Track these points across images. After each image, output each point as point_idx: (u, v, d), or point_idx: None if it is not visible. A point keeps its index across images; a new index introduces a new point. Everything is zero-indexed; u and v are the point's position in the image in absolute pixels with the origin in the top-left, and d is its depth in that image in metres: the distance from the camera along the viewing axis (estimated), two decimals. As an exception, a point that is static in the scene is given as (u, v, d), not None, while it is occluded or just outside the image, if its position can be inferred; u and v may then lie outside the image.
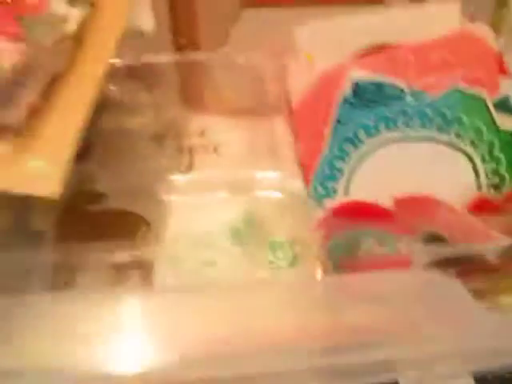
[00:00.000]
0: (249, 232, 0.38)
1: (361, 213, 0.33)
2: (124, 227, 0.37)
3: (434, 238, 0.33)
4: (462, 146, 0.33)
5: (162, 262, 0.35)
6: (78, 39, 0.31)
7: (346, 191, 0.34)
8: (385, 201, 0.33)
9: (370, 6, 0.37)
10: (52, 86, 0.28)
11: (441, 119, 0.34)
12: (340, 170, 0.34)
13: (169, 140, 0.41)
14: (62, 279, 0.32)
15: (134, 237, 0.36)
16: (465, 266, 0.31)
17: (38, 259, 0.30)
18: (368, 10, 0.37)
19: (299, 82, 0.36)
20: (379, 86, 0.33)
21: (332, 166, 0.34)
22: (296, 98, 0.36)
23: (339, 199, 0.33)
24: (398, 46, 0.35)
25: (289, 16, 0.37)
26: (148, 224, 0.37)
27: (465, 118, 0.33)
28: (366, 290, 0.26)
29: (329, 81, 0.35)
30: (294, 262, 0.36)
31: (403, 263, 0.32)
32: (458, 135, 0.33)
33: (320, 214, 0.32)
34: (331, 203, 0.32)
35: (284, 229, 0.37)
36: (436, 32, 0.34)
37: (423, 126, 0.34)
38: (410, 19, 0.34)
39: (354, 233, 0.33)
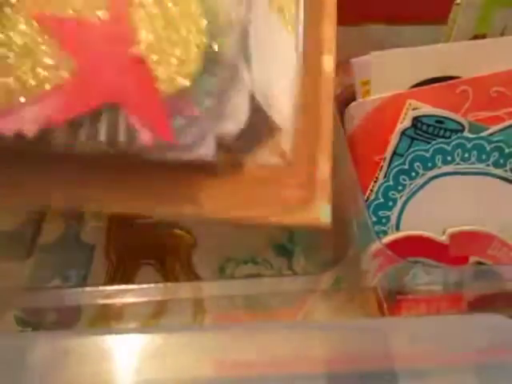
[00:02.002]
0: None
1: (415, 246, 0.33)
2: (171, 241, 0.38)
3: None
4: (517, 180, 0.34)
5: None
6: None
7: (398, 220, 0.35)
8: (436, 232, 0.34)
9: (434, 26, 0.37)
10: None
11: (498, 153, 0.34)
12: (394, 200, 0.35)
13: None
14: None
15: (179, 251, 0.37)
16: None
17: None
18: (431, 29, 0.37)
19: (354, 109, 0.36)
20: (439, 121, 0.33)
21: (386, 196, 0.35)
22: (351, 124, 0.36)
23: (395, 234, 0.33)
24: (456, 78, 0.35)
25: (353, 33, 0.37)
26: (194, 238, 0.38)
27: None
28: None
29: (387, 110, 0.35)
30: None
31: (453, 298, 0.33)
32: (513, 170, 0.33)
33: (376, 246, 0.33)
34: (388, 237, 0.33)
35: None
36: (496, 67, 0.34)
37: (479, 159, 0.34)
38: (471, 53, 0.34)
39: (405, 262, 0.34)
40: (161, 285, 0.30)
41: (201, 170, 0.27)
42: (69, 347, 0.26)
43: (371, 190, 0.35)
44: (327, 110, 0.29)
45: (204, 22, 0.25)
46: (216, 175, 0.28)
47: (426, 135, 0.34)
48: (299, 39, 0.30)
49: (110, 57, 0.25)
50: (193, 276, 0.35)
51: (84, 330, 0.31)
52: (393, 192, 0.35)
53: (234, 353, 0.26)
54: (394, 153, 0.34)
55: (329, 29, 0.30)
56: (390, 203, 0.35)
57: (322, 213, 0.27)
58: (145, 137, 0.24)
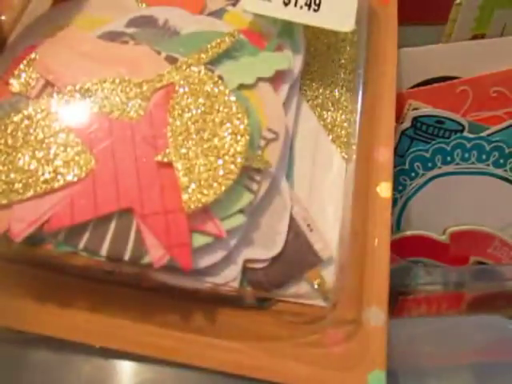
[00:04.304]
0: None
1: (415, 246, 0.33)
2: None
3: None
4: (517, 180, 0.34)
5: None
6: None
7: (398, 220, 0.35)
8: (436, 232, 0.34)
9: (434, 26, 0.37)
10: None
11: (497, 153, 0.34)
12: (394, 200, 0.35)
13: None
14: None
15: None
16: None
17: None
18: (431, 29, 0.37)
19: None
20: (439, 121, 0.33)
21: (387, 196, 0.35)
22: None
23: (396, 234, 0.33)
24: (456, 78, 0.35)
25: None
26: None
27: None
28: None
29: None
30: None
31: (453, 297, 0.33)
32: (513, 170, 0.33)
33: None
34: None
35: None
36: (495, 67, 0.34)
37: (479, 159, 0.34)
38: (471, 53, 0.34)
39: (405, 262, 0.34)
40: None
41: (222, 302, 0.23)
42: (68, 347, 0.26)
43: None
44: (384, 242, 0.24)
45: (245, 135, 0.22)
46: (240, 311, 0.23)
47: (426, 135, 0.34)
48: (352, 163, 0.26)
49: (133, 160, 0.22)
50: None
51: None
52: (393, 192, 0.35)
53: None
54: (395, 153, 0.34)
55: (385, 153, 0.27)
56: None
57: (371, 381, 0.21)
58: (156, 256, 0.20)
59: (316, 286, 0.23)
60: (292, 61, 0.27)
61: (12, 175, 0.22)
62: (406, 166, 0.34)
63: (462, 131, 0.34)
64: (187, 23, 0.28)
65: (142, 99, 0.24)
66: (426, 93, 0.34)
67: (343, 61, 0.30)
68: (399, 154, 0.34)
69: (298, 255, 0.23)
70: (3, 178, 0.22)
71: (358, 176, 0.26)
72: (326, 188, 0.25)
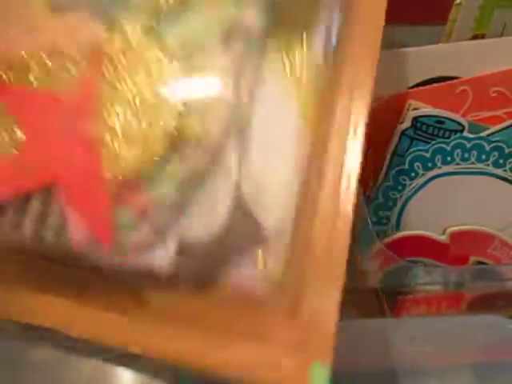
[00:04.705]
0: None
1: (415, 246, 0.33)
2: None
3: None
4: (517, 180, 0.34)
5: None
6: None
7: (398, 220, 0.35)
8: (436, 232, 0.34)
9: (434, 26, 0.37)
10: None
11: (497, 153, 0.34)
12: (394, 200, 0.35)
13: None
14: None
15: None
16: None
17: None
18: (431, 29, 0.37)
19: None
20: (439, 121, 0.33)
21: (386, 196, 0.35)
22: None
23: (395, 234, 0.33)
24: (456, 78, 0.35)
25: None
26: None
27: (521, 153, 0.33)
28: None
29: (387, 110, 0.35)
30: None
31: (453, 297, 0.33)
32: (513, 170, 0.33)
33: (376, 246, 0.33)
34: (388, 237, 0.33)
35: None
36: (495, 67, 0.34)
37: (479, 159, 0.34)
38: (471, 53, 0.34)
39: (405, 262, 0.34)
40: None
41: (154, 286, 0.21)
42: (68, 347, 0.26)
43: (371, 190, 0.35)
44: (344, 222, 0.21)
45: (177, 104, 0.20)
46: (176, 296, 0.21)
47: (426, 135, 0.34)
48: (312, 128, 0.22)
49: (61, 133, 0.21)
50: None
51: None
52: (393, 192, 0.35)
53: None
54: (394, 153, 0.34)
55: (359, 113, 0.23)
56: (390, 203, 0.35)
57: (315, 377, 0.18)
58: (76, 233, 0.19)
59: (262, 265, 0.20)
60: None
61: None
62: (406, 166, 0.34)
63: (461, 131, 0.34)
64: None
65: (73, 69, 0.22)
66: (426, 93, 0.34)
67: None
68: (399, 154, 0.34)
69: (241, 231, 0.20)
70: None
71: (322, 141, 0.22)
72: (284, 161, 0.22)
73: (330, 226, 0.20)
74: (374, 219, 0.35)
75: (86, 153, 0.20)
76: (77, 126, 0.21)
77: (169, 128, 0.20)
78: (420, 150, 0.34)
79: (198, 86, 0.21)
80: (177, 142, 0.20)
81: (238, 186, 0.20)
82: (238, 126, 0.21)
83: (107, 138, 0.20)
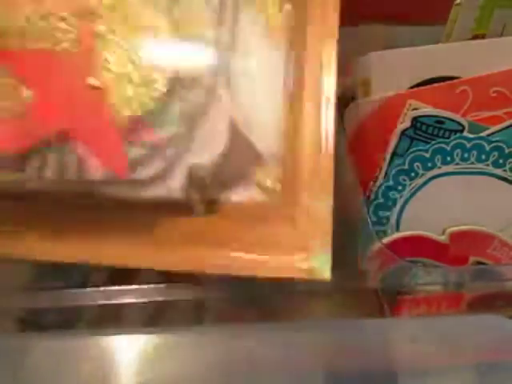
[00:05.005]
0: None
1: (415, 246, 0.33)
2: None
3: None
4: (517, 180, 0.34)
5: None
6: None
7: (398, 221, 0.35)
8: (436, 232, 0.34)
9: (434, 26, 0.37)
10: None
11: (497, 153, 0.34)
12: (394, 200, 0.35)
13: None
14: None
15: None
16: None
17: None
18: (431, 29, 0.37)
19: (354, 109, 0.36)
20: (439, 121, 0.33)
21: (386, 196, 0.35)
22: (351, 124, 0.36)
23: (395, 234, 0.33)
24: (456, 78, 0.35)
25: (353, 33, 0.37)
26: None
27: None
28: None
29: (386, 110, 0.35)
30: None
31: (453, 298, 0.33)
32: (512, 170, 0.34)
33: (376, 246, 0.33)
34: (388, 237, 0.33)
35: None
36: (495, 67, 0.34)
37: (479, 159, 0.34)
38: (470, 53, 0.34)
39: (405, 262, 0.34)
40: (161, 285, 0.30)
41: (171, 210, 0.23)
42: (69, 347, 0.26)
43: (371, 190, 0.35)
44: (328, 137, 0.24)
45: (173, 45, 0.23)
46: (189, 216, 0.23)
47: (426, 135, 0.34)
48: (291, 62, 0.25)
49: (66, 86, 0.23)
50: (193, 276, 0.35)
51: (84, 330, 0.31)
52: (393, 192, 0.35)
53: (234, 353, 0.26)
54: (394, 153, 0.34)
55: (329, 48, 0.26)
56: (390, 203, 0.35)
57: (319, 264, 0.23)
58: (94, 170, 0.22)
59: (262, 183, 0.24)
60: None
61: None
62: (406, 166, 0.34)
63: (461, 131, 0.34)
64: None
65: (70, 29, 0.24)
66: (426, 93, 0.34)
67: None
68: (399, 154, 0.34)
69: (240, 156, 0.23)
70: None
71: (301, 73, 0.26)
72: (268, 89, 0.25)
73: (316, 143, 0.24)
74: (374, 219, 0.35)
75: (93, 99, 0.22)
76: (80, 76, 0.23)
77: (165, 71, 0.22)
78: (420, 150, 0.34)
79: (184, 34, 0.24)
80: (174, 82, 0.22)
81: (231, 118, 0.23)
82: (224, 64, 0.24)
83: (110, 83, 0.22)
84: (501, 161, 0.34)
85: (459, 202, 0.34)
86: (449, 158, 0.34)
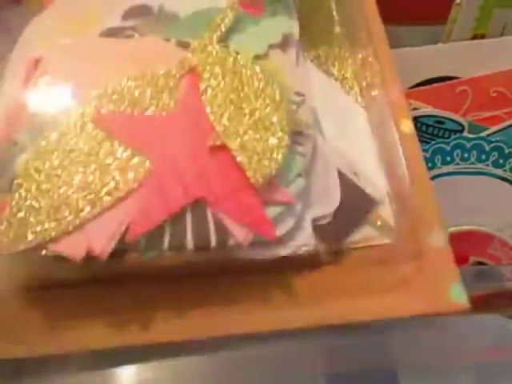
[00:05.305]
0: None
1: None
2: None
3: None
4: (517, 180, 0.34)
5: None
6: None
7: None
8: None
9: (434, 26, 0.37)
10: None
11: (497, 153, 0.34)
12: (394, 200, 0.35)
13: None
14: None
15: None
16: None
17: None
18: (431, 29, 0.37)
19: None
20: (439, 121, 0.33)
21: (386, 196, 0.35)
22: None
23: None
24: (456, 78, 0.35)
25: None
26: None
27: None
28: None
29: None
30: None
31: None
32: (512, 170, 0.34)
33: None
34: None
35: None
36: (495, 67, 0.34)
37: (479, 159, 0.34)
38: (470, 53, 0.34)
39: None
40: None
41: (300, 263, 0.23)
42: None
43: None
44: (421, 171, 0.25)
45: (283, 102, 0.23)
46: (318, 268, 0.23)
47: (426, 135, 0.34)
48: (373, 107, 0.27)
49: (186, 150, 0.22)
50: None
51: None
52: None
53: (234, 352, 0.26)
54: (394, 153, 0.34)
55: (398, 93, 0.27)
56: (390, 204, 0.35)
57: (453, 292, 0.23)
58: (241, 235, 0.21)
59: (379, 225, 0.24)
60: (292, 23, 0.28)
61: (74, 195, 0.21)
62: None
63: (461, 131, 0.34)
64: (182, 4, 0.28)
65: (171, 90, 0.24)
66: (426, 93, 0.35)
67: (335, 14, 0.31)
68: (399, 154, 0.34)
69: (353, 203, 0.24)
70: (65, 200, 0.21)
71: (378, 119, 0.27)
72: (357, 136, 0.26)
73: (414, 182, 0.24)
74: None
75: (221, 160, 0.22)
76: (197, 141, 0.22)
77: (283, 127, 0.22)
78: (420, 150, 0.34)
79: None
80: (292, 138, 0.23)
81: (337, 167, 0.24)
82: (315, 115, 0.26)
83: (232, 145, 0.22)
84: (501, 161, 0.34)
85: (459, 202, 0.34)
86: (449, 158, 0.34)
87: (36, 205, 0.21)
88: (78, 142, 0.22)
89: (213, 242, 0.21)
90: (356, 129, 0.27)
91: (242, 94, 0.23)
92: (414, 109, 0.34)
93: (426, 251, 0.23)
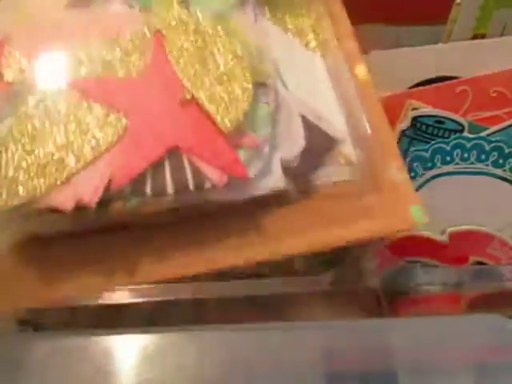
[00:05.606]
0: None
1: (415, 245, 0.33)
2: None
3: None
4: (516, 180, 0.34)
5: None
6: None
7: (399, 220, 0.35)
8: (435, 231, 0.34)
9: (434, 26, 0.37)
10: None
11: (497, 153, 0.34)
12: (394, 200, 0.35)
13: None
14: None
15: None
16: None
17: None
18: (431, 29, 0.37)
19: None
20: (439, 121, 0.33)
21: (386, 196, 0.35)
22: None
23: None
24: (456, 78, 0.35)
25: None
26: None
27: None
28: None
29: (386, 110, 0.35)
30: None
31: (452, 297, 0.33)
32: (512, 170, 0.34)
33: (376, 246, 0.33)
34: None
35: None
36: (495, 67, 0.34)
37: (479, 159, 0.34)
38: (470, 53, 0.34)
39: (404, 262, 0.34)
40: (161, 285, 0.30)
41: (272, 203, 0.26)
42: (69, 347, 0.26)
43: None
44: (379, 112, 0.28)
45: (244, 55, 0.25)
46: (289, 206, 0.26)
47: (426, 135, 0.34)
48: (329, 57, 0.29)
49: (159, 106, 0.24)
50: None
51: (84, 330, 0.31)
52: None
53: (234, 353, 0.26)
54: (394, 153, 0.34)
55: (352, 43, 0.30)
56: (390, 203, 0.35)
57: (413, 212, 0.26)
58: (216, 177, 0.23)
59: (342, 163, 0.26)
60: None
61: (58, 153, 0.23)
62: (406, 166, 0.34)
63: (461, 131, 0.34)
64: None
65: (140, 53, 0.26)
66: (426, 93, 0.35)
67: None
68: (399, 154, 0.34)
69: (317, 144, 0.26)
70: (51, 158, 0.23)
71: (335, 67, 0.29)
72: (317, 84, 0.28)
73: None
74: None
75: (192, 112, 0.24)
76: (168, 97, 0.24)
77: (247, 78, 0.25)
78: (420, 150, 0.34)
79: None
80: (256, 86, 0.25)
81: (300, 113, 0.26)
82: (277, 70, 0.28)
83: (204, 98, 0.24)
84: (500, 161, 0.34)
85: (459, 202, 0.34)
86: (449, 158, 0.34)
87: (24, 164, 0.23)
88: (57, 106, 0.24)
89: (191, 185, 0.23)
90: (315, 78, 0.29)
91: (206, 52, 0.26)
92: (414, 109, 0.34)
93: (386, 184, 0.26)
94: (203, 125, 0.24)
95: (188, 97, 0.24)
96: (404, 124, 0.34)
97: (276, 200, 0.25)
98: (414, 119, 0.34)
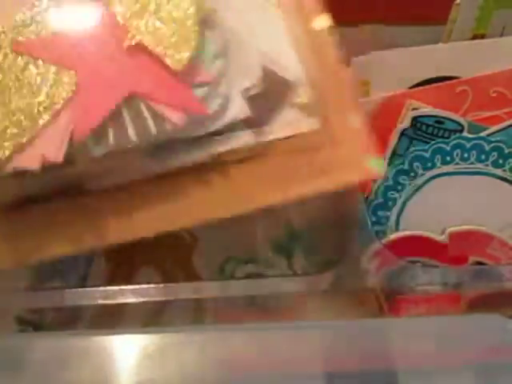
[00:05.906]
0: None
1: (415, 246, 0.33)
2: (170, 241, 0.38)
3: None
4: (516, 180, 0.34)
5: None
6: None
7: (398, 221, 0.35)
8: (435, 232, 0.34)
9: (434, 26, 0.37)
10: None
11: (497, 153, 0.34)
12: (393, 200, 0.35)
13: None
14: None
15: (179, 251, 0.37)
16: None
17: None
18: (431, 29, 0.37)
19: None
20: (438, 121, 0.33)
21: (386, 196, 0.35)
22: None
23: (395, 234, 0.33)
24: (456, 78, 0.35)
25: (353, 33, 0.37)
26: (194, 238, 0.38)
27: (521, 154, 0.33)
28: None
29: (386, 110, 0.35)
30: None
31: (452, 297, 0.33)
32: (512, 170, 0.34)
33: (376, 246, 0.33)
34: (387, 237, 0.33)
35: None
36: (495, 67, 0.34)
37: (479, 159, 0.34)
38: (470, 53, 0.34)
39: (404, 262, 0.34)
40: (161, 285, 0.30)
41: (234, 161, 0.26)
42: (69, 347, 0.26)
43: (371, 190, 0.35)
44: (334, 58, 0.28)
45: None
46: (249, 162, 0.26)
47: (426, 135, 0.34)
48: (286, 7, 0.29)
49: (107, 56, 0.24)
50: (193, 276, 0.35)
51: (84, 330, 0.31)
52: (392, 192, 0.35)
53: (234, 353, 0.26)
54: (394, 153, 0.34)
55: None
56: (390, 203, 0.35)
57: (372, 163, 0.26)
58: (176, 117, 0.24)
59: (299, 108, 0.27)
60: None
61: (15, 117, 0.23)
62: (406, 166, 0.34)
63: (461, 131, 0.34)
64: None
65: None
66: (426, 93, 0.34)
67: None
68: (398, 154, 0.34)
69: (272, 87, 0.26)
70: (9, 121, 0.23)
71: (291, 16, 0.29)
72: (272, 30, 0.28)
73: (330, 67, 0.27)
74: (374, 219, 0.35)
75: (141, 56, 0.24)
76: (116, 44, 0.24)
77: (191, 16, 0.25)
78: (420, 150, 0.34)
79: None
80: (202, 25, 0.25)
81: (253, 52, 0.26)
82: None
83: (150, 41, 0.24)
84: (500, 161, 0.34)
85: (459, 202, 0.34)
86: (448, 158, 0.34)
87: None
88: (5, 72, 0.24)
89: (152, 129, 0.24)
90: (270, 24, 0.28)
91: None
92: (414, 109, 0.34)
93: (344, 134, 0.26)
94: (154, 68, 0.24)
95: (134, 43, 0.24)
96: (404, 124, 0.34)
97: (237, 155, 0.26)
98: (414, 119, 0.34)
